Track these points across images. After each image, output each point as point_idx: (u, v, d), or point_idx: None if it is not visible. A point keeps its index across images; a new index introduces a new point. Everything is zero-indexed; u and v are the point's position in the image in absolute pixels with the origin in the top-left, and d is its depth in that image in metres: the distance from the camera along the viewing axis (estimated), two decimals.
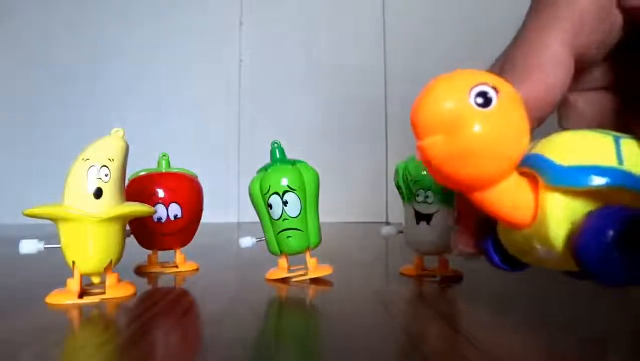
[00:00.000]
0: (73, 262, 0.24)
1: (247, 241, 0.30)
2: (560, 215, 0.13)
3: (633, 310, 0.22)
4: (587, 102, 0.19)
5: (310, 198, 0.29)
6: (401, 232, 0.31)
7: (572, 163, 0.13)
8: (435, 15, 0.95)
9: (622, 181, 0.13)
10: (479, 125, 0.13)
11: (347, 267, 0.34)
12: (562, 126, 0.20)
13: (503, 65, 0.17)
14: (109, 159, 0.24)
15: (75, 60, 0.99)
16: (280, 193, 0.28)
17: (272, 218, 0.29)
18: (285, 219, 0.28)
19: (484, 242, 0.17)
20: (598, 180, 0.13)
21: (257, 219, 0.30)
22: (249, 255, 0.37)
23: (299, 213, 0.28)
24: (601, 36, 0.17)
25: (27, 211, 0.23)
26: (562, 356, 0.15)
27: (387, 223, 0.92)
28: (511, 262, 0.17)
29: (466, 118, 0.13)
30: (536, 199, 0.14)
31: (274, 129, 0.96)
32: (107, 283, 0.25)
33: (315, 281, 0.29)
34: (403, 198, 0.30)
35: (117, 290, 0.25)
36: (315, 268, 0.29)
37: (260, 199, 0.29)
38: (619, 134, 0.14)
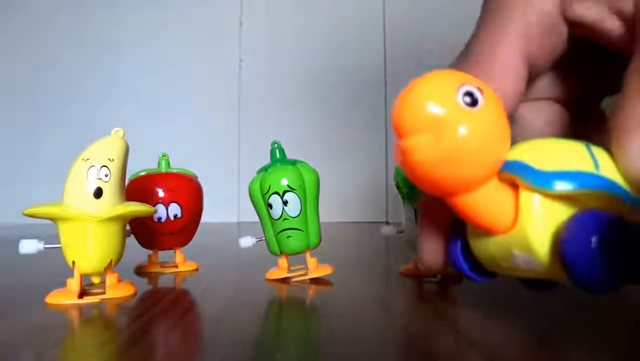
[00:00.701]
0: (73, 262, 0.24)
1: (247, 241, 0.30)
2: (542, 218, 0.13)
3: (635, 310, 0.22)
4: (532, 112, 0.20)
5: (310, 198, 0.29)
6: (401, 232, 0.31)
7: (553, 168, 0.13)
8: (436, 16, 0.95)
9: (603, 186, 0.13)
10: (467, 125, 0.12)
11: (347, 267, 0.34)
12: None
13: (461, 66, 0.17)
14: (109, 159, 0.24)
15: (75, 60, 0.99)
16: (280, 193, 0.28)
17: (272, 218, 0.29)
18: (285, 219, 0.28)
19: (452, 250, 0.17)
20: (580, 185, 0.13)
21: (257, 219, 0.30)
22: (249, 255, 0.37)
23: (299, 213, 0.28)
24: (549, 48, 0.17)
25: (27, 211, 0.23)
26: (564, 356, 0.15)
27: (387, 223, 0.92)
28: (480, 271, 0.17)
29: (455, 118, 0.12)
30: (516, 204, 0.14)
31: (274, 129, 0.96)
32: (107, 283, 0.25)
33: (315, 281, 0.29)
34: (403, 198, 0.30)
35: (117, 290, 0.25)
36: (315, 268, 0.29)
37: (260, 199, 0.29)
38: (585, 142, 0.14)
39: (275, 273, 0.29)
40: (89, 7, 1.00)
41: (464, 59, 0.17)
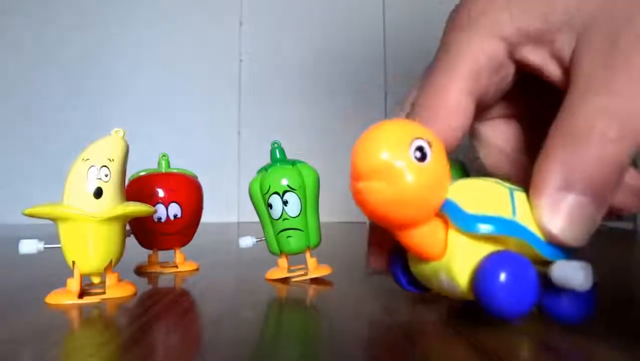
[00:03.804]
0: (73, 262, 0.24)
1: (247, 241, 0.30)
2: (464, 254, 0.16)
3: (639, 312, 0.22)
4: (490, 129, 0.22)
5: (310, 198, 0.29)
6: None
7: (476, 211, 0.16)
8: (437, 16, 0.95)
9: (513, 232, 0.16)
10: (416, 178, 0.15)
11: (347, 267, 0.34)
12: (477, 153, 0.22)
13: (417, 100, 0.19)
14: (109, 159, 0.24)
15: (75, 59, 0.99)
16: (280, 193, 0.28)
17: (272, 218, 0.29)
18: (285, 219, 0.28)
19: (393, 266, 0.20)
20: (495, 230, 0.16)
21: (257, 219, 0.30)
22: (249, 255, 0.37)
23: (299, 213, 0.28)
24: (497, 83, 0.19)
25: (27, 211, 0.23)
26: (564, 356, 0.15)
27: None
28: (416, 285, 0.20)
29: (406, 171, 0.14)
30: (446, 237, 0.16)
31: (274, 129, 0.96)
32: (107, 283, 0.25)
33: (315, 281, 0.29)
34: None
35: (117, 290, 0.25)
36: (315, 268, 0.29)
37: (260, 199, 0.29)
38: (512, 185, 0.17)
39: (275, 273, 0.29)
40: (89, 7, 1.00)
41: (422, 90, 0.19)
